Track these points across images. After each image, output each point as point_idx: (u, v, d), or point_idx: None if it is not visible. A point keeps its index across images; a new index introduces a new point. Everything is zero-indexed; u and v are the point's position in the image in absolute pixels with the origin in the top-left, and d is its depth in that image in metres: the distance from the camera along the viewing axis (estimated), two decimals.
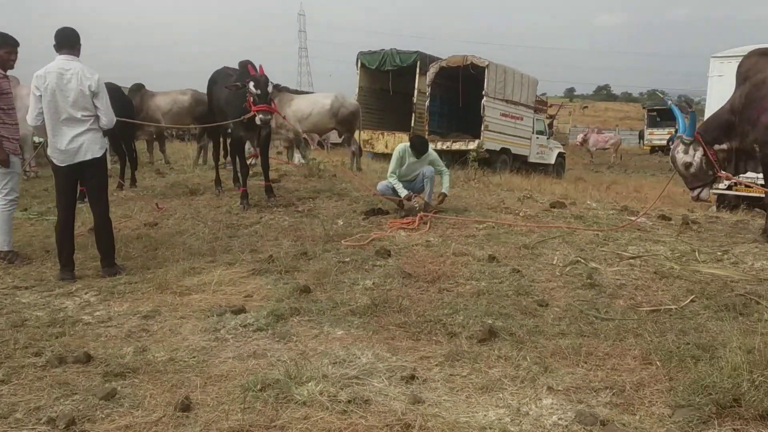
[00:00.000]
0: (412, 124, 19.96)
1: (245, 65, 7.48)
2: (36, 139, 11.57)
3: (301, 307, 4.31)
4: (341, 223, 6.80)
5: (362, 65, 21.46)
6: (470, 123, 19.58)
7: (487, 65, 17.93)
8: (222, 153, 9.33)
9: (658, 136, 38.64)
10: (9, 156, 5.64)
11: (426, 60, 20.44)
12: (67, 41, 5.12)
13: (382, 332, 3.92)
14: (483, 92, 17.99)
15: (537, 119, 21.58)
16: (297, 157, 13.29)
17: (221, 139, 9.42)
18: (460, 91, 19.22)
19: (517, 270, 5.08)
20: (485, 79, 17.87)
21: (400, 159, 7.05)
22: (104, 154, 5.24)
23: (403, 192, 6.99)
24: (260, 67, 7.32)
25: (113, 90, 9.47)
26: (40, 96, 5.03)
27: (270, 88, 7.14)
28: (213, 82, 8.41)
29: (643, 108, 48.64)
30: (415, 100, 20.20)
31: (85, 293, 4.83)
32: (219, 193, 8.75)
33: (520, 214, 7.26)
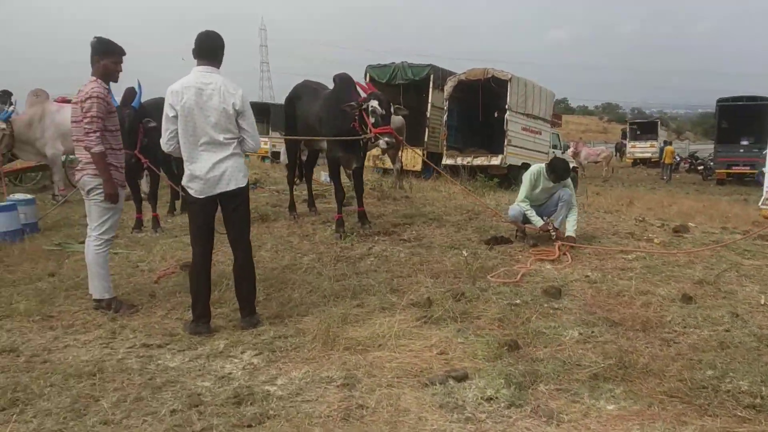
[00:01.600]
0: (426, 139, 19.28)
1: (348, 80, 6.71)
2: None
3: (533, 370, 3.56)
4: (466, 254, 6.05)
5: (371, 79, 20.71)
6: (488, 138, 19.04)
7: (510, 78, 17.44)
8: (296, 174, 8.48)
9: (641, 149, 39.29)
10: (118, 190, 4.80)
11: (439, 73, 19.86)
12: (207, 49, 4.29)
13: (655, 405, 3.20)
14: (506, 106, 17.46)
15: (552, 133, 21.15)
16: (324, 175, 12.54)
17: (297, 161, 8.56)
18: (480, 105, 18.64)
19: (735, 314, 4.41)
20: (508, 93, 17.36)
21: (533, 183, 6.33)
22: (248, 183, 4.40)
23: (538, 221, 6.27)
24: (368, 83, 6.56)
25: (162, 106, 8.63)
26: (175, 116, 4.19)
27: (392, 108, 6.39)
28: (296, 98, 7.61)
29: (625, 121, 49.28)
30: (428, 115, 19.49)
31: (241, 352, 3.99)
32: (295, 218, 7.92)
33: (656, 240, 6.60)
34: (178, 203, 8.82)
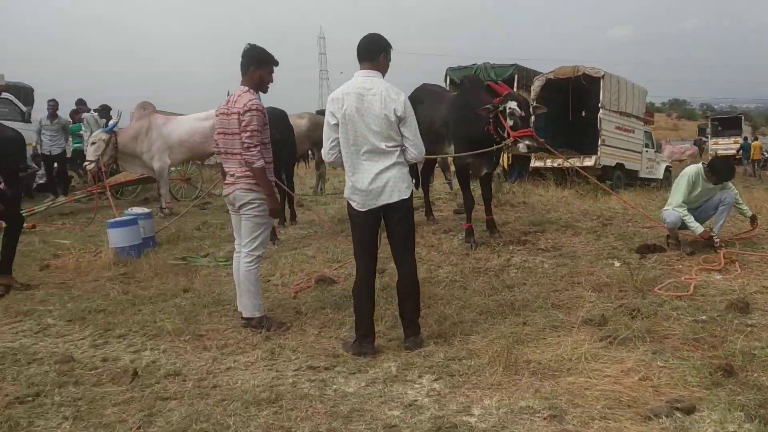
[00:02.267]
0: None
1: (477, 82, 6.38)
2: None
3: (766, 399, 3.11)
4: (618, 264, 5.60)
5: (451, 81, 20.31)
6: (578, 138, 18.34)
7: (603, 76, 16.75)
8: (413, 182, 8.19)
9: (723, 145, 37.33)
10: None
11: (523, 73, 19.30)
12: (366, 52, 4.03)
13: None
14: (599, 104, 16.77)
15: (645, 131, 20.28)
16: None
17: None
18: (570, 105, 17.99)
19: None
20: (601, 91, 16.65)
21: (692, 185, 5.82)
22: (411, 194, 4.11)
23: (698, 228, 5.75)
24: (500, 83, 6.21)
25: (282, 116, 8.51)
26: (336, 124, 3.94)
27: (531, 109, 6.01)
28: (417, 102, 7.30)
29: (706, 117, 47.10)
30: None
31: (418, 376, 3.69)
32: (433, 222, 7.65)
33: None
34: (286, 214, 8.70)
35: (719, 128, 38.16)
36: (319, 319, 4.79)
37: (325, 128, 3.98)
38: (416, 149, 4.02)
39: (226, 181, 4.73)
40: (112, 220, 7.36)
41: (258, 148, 4.46)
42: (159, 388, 3.70)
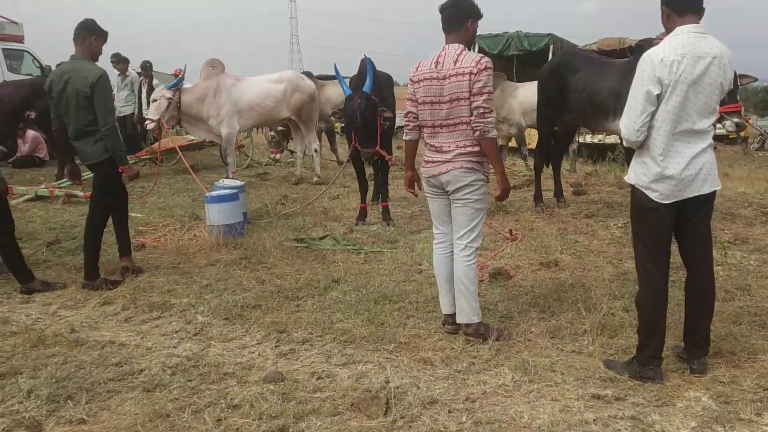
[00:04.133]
0: None
1: None
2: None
3: None
4: None
5: (480, 50, 19.36)
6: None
7: None
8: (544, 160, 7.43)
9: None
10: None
11: (559, 44, 18.45)
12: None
13: None
14: None
15: None
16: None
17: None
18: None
19: None
20: None
21: None
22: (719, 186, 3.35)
23: None
24: None
25: (390, 81, 7.62)
26: (659, 94, 3.12)
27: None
28: (568, 69, 6.54)
29: None
30: None
31: (756, 414, 2.98)
32: (542, 210, 6.90)
33: None
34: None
35: None
36: (536, 326, 4.04)
37: (643, 99, 3.14)
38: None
39: (432, 159, 3.90)
40: (211, 194, 6.46)
41: (493, 115, 3.64)
42: (429, 423, 2.94)
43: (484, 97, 3.58)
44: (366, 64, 6.36)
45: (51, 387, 3.28)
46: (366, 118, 5.97)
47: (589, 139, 16.98)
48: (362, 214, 6.96)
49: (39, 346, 3.87)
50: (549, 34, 18.98)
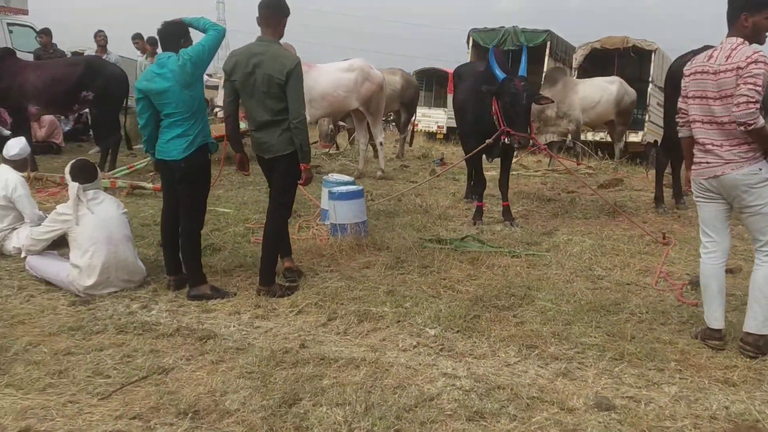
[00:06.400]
0: None
1: None
2: None
3: None
4: None
5: (474, 44, 19.36)
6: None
7: (656, 49, 16.32)
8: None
9: None
10: None
11: (555, 41, 18.65)
12: None
13: None
14: (649, 79, 16.38)
15: None
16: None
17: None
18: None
19: None
20: (652, 65, 16.26)
21: None
22: None
23: None
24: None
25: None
26: None
27: None
28: None
29: None
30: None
31: None
32: (664, 212, 6.77)
33: None
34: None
35: None
36: None
37: None
38: None
39: (704, 160, 3.66)
40: (339, 190, 5.98)
41: (758, 105, 3.40)
42: None
43: (749, 86, 3.34)
44: (499, 55, 6.19)
45: (369, 419, 2.85)
46: (530, 101, 5.82)
47: (590, 136, 17.14)
48: (479, 213, 6.66)
49: (281, 365, 3.42)
50: (546, 30, 19.07)
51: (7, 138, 10.10)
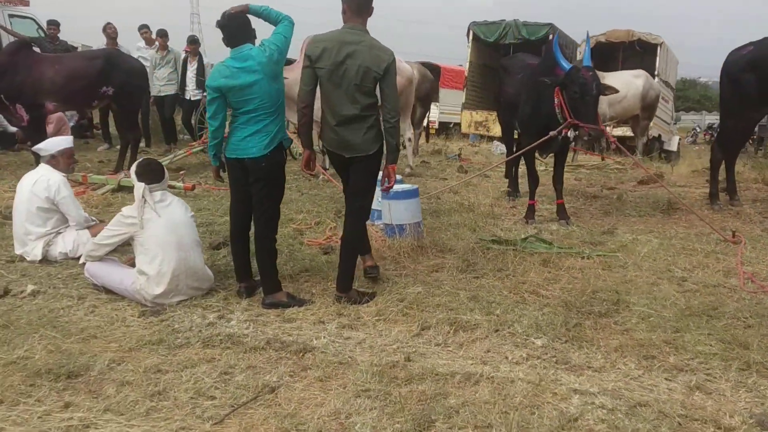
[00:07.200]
0: None
1: None
2: None
3: None
4: None
5: (475, 37, 19.17)
6: None
7: (661, 43, 16.22)
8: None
9: None
10: None
11: (558, 34, 18.48)
12: None
13: None
14: (655, 73, 16.24)
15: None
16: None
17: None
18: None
19: None
20: (657, 59, 16.13)
21: None
22: None
23: None
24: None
25: None
26: None
27: None
28: None
29: None
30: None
31: None
32: (719, 209, 6.58)
33: None
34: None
35: None
36: None
37: None
38: None
39: None
40: (395, 189, 5.68)
41: None
42: None
43: None
44: (554, 44, 6.00)
45: None
46: (599, 91, 5.65)
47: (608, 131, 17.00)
48: (531, 212, 6.42)
49: (395, 381, 3.14)
50: (549, 24, 18.89)
51: (14, 134, 9.75)
